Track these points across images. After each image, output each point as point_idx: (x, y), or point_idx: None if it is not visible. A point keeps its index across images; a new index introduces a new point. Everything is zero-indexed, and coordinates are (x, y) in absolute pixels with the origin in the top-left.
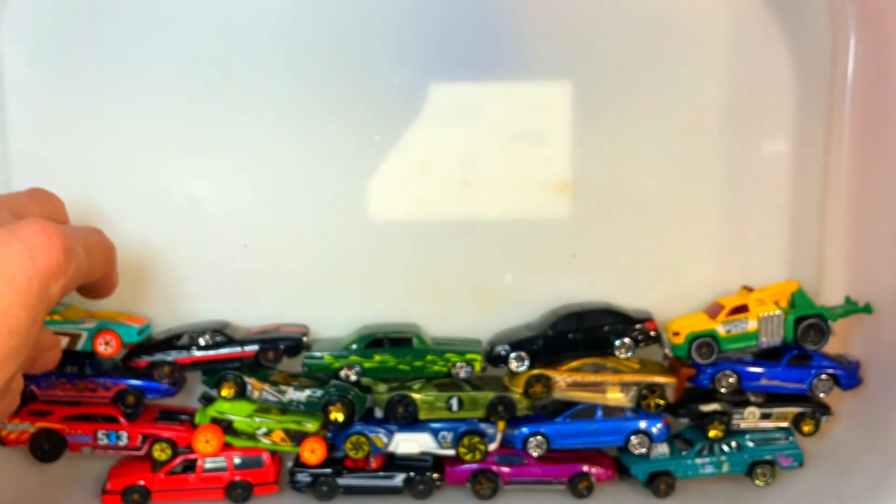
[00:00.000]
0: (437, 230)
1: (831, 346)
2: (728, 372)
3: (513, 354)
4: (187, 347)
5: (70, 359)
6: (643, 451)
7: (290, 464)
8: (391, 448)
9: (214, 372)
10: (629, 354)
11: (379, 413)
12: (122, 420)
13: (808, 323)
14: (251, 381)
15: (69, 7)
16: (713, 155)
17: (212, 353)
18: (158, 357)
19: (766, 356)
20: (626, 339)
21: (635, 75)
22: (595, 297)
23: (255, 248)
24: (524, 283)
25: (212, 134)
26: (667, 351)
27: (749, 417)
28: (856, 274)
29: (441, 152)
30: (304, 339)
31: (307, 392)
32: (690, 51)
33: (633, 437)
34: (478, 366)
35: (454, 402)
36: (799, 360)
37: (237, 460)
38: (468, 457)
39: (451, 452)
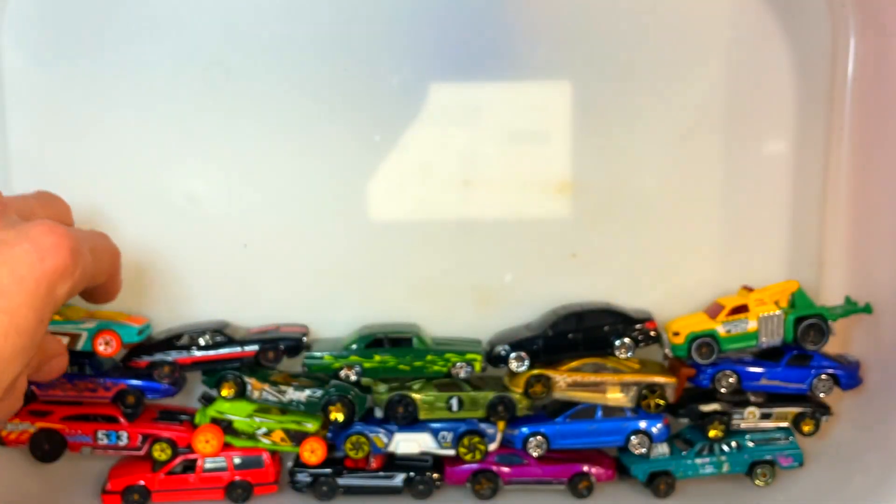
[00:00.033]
0: (437, 230)
1: (831, 346)
2: (728, 372)
3: (513, 354)
4: (187, 347)
5: (70, 359)
6: (643, 451)
7: (290, 464)
8: (391, 448)
9: (214, 372)
10: (629, 354)
11: (379, 413)
12: (122, 420)
13: (808, 323)
14: (251, 381)
15: (69, 7)
16: (713, 155)
17: (212, 353)
18: (158, 357)
19: (766, 356)
20: (626, 339)
21: (635, 75)
22: (595, 297)
23: (255, 248)
24: (524, 283)
25: (212, 134)
26: (667, 351)
27: (749, 417)
28: (856, 274)
29: (441, 152)
30: (304, 339)
31: (307, 392)
32: (690, 51)
33: (633, 437)
34: (478, 366)
35: (454, 402)
36: (799, 360)
37: (237, 460)
38: (468, 457)
39: (451, 452)
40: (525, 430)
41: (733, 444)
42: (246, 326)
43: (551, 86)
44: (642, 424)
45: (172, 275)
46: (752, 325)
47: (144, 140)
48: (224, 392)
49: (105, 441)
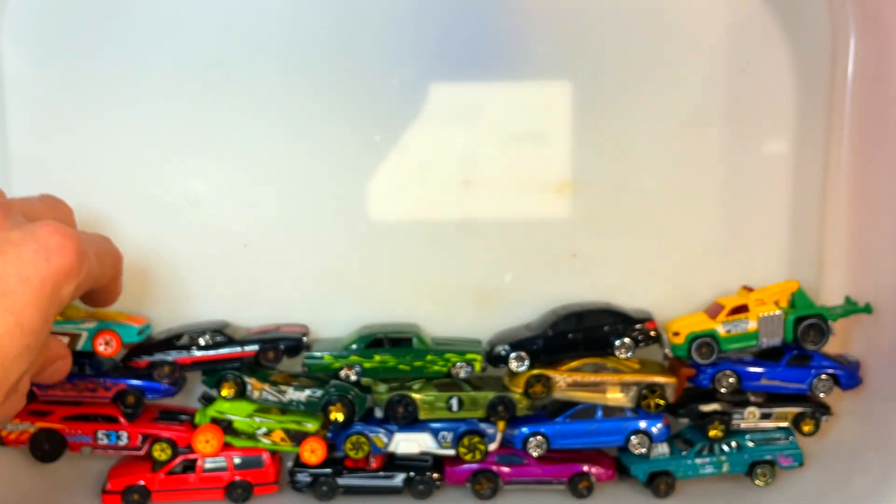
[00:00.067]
0: (437, 230)
1: (831, 346)
2: (728, 372)
3: (513, 354)
4: (187, 347)
5: None
6: (643, 451)
7: (290, 464)
8: (391, 448)
9: (214, 372)
10: (629, 354)
11: (379, 413)
12: (122, 420)
13: (808, 323)
14: (251, 381)
15: (69, 7)
16: (713, 155)
17: (212, 353)
18: (158, 357)
19: (766, 356)
20: (626, 339)
21: (635, 75)
22: (595, 297)
23: (255, 248)
24: (524, 283)
25: (212, 134)
26: (667, 351)
27: (749, 417)
28: (856, 274)
29: (441, 152)
30: (304, 339)
31: (307, 392)
32: (690, 51)
33: (633, 437)
34: (478, 366)
35: (454, 402)
36: (799, 360)
37: (237, 460)
38: (468, 457)
39: (451, 452)
40: (525, 430)
41: (733, 444)
42: (246, 326)
43: (551, 86)
44: (642, 424)
45: (172, 275)
46: (752, 325)
47: (144, 140)
48: (224, 392)
49: (105, 441)
